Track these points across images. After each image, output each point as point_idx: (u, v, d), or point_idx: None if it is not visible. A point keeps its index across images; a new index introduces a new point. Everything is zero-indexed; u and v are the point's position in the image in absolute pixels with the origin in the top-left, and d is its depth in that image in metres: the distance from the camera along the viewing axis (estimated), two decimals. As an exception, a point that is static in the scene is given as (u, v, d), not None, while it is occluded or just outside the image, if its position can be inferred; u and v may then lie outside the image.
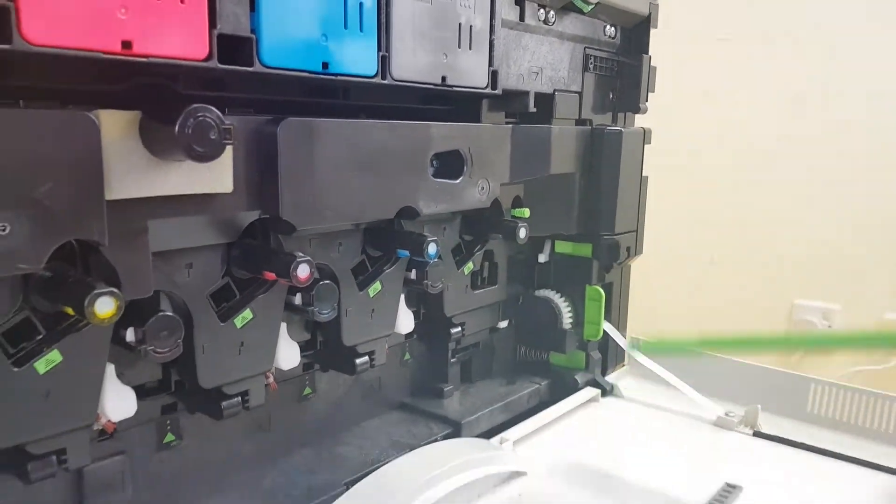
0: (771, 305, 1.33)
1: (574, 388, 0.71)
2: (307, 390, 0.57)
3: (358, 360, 0.54)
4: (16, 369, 0.35)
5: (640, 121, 0.74)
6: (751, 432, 0.64)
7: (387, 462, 0.53)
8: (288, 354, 0.49)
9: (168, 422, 0.47)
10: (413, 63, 0.47)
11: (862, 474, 0.58)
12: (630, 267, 0.75)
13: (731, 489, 0.54)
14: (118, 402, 0.40)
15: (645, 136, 0.70)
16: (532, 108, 0.60)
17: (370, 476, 0.49)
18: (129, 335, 0.39)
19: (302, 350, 0.52)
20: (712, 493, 0.53)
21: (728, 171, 1.33)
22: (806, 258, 1.28)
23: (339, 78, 0.43)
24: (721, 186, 1.34)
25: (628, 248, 0.70)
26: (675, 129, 1.27)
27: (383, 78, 0.46)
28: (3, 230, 0.31)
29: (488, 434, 0.62)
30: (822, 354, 1.23)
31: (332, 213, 0.45)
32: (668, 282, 1.37)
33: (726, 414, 0.66)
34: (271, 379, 0.49)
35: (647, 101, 0.70)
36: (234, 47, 0.38)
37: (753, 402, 0.65)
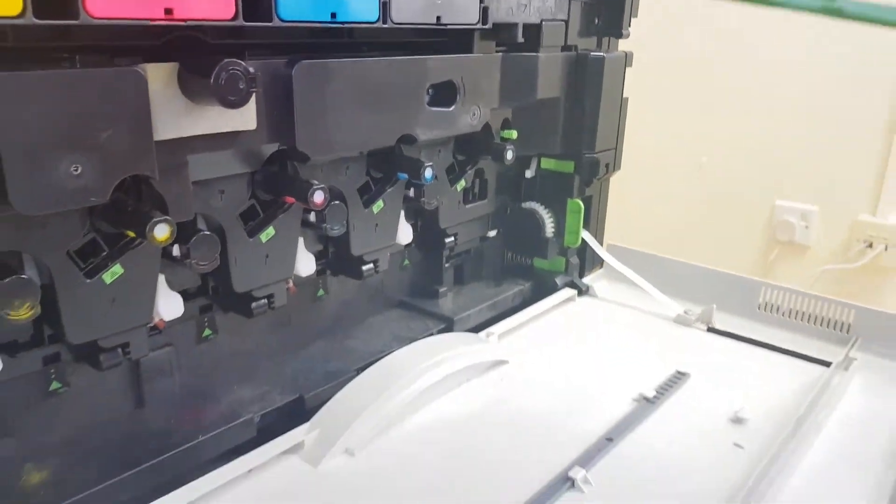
0: (753, 206, 1.40)
1: (554, 289, 0.80)
2: (321, 292, 0.65)
3: (364, 267, 0.62)
4: (88, 281, 0.44)
5: (624, 44, 0.79)
6: (705, 328, 0.73)
7: (390, 352, 0.62)
8: (305, 264, 0.58)
9: (206, 319, 0.56)
10: (410, 7, 0.53)
11: (797, 365, 0.68)
12: (609, 181, 0.82)
13: (680, 376, 0.64)
14: (168, 304, 0.49)
15: (627, 59, 0.75)
16: (521, 39, 0.65)
17: (376, 364, 0.58)
18: (176, 251, 0.47)
19: (316, 259, 0.60)
20: (663, 380, 0.63)
21: (715, 87, 1.37)
22: (786, 162, 1.34)
23: (345, 25, 0.49)
24: (707, 101, 1.39)
25: (607, 165, 0.77)
26: (664, 47, 1.31)
27: (384, 22, 0.51)
28: (76, 171, 0.39)
29: (477, 329, 0.71)
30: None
31: (341, 144, 0.52)
32: (654, 191, 1.45)
33: (685, 312, 0.75)
34: (291, 284, 0.58)
35: (629, 26, 0.75)
36: (255, 5, 0.43)
37: (709, 303, 0.74)
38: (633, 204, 1.26)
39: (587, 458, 0.52)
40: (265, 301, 0.55)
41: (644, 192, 1.40)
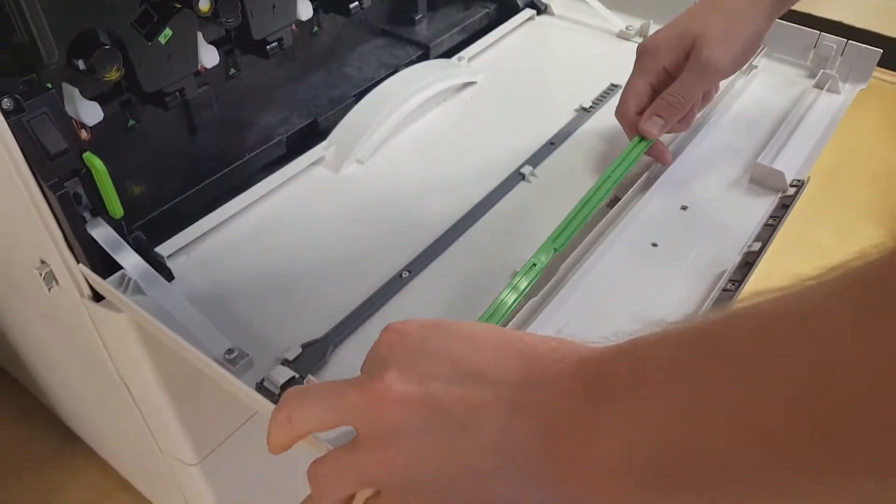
0: None
1: (516, 10, 0.91)
2: (315, 29, 0.77)
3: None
4: (148, 43, 0.56)
5: None
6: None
7: (380, 79, 0.76)
8: (304, 9, 0.69)
9: (230, 61, 0.69)
10: None
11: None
12: None
13: (613, 88, 0.79)
14: (207, 54, 0.62)
15: None
16: None
17: (371, 92, 0.72)
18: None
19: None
20: (599, 92, 0.79)
21: None
22: None
23: None
24: None
25: None
26: None
27: None
28: (134, -40, 0.49)
29: (450, 53, 0.84)
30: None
31: None
32: None
33: (626, 28, 0.88)
34: (293, 26, 0.70)
35: None
36: None
37: (650, 18, 0.87)
38: None
39: (535, 159, 0.70)
40: (277, 43, 0.68)
41: None
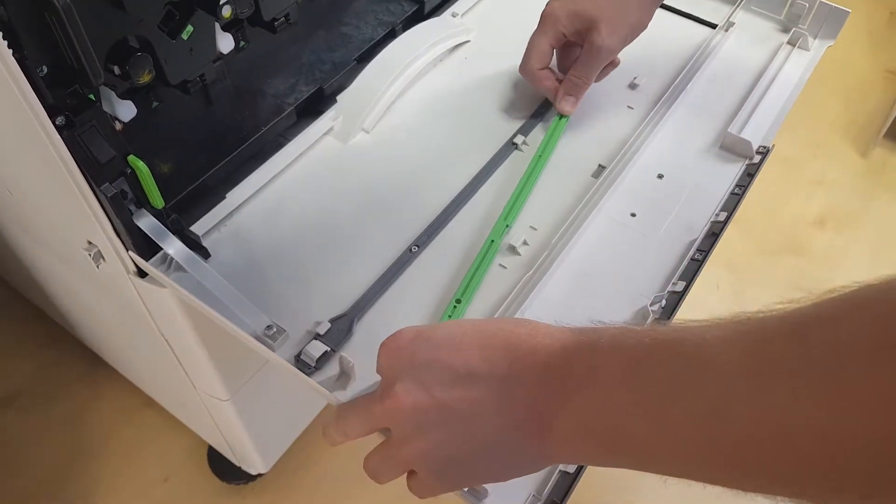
0: None
1: (507, -41, 0.94)
2: (316, -8, 0.80)
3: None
4: (172, 41, 0.60)
5: None
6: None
7: (378, 41, 0.80)
8: (311, -13, 0.72)
9: (239, 35, 0.73)
10: None
11: (687, 26, 0.88)
12: None
13: (600, 48, 0.84)
14: (224, 41, 0.66)
15: None
16: None
17: (372, 62, 0.77)
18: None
19: None
20: (586, 54, 0.83)
21: None
22: None
23: None
24: None
25: None
26: None
27: None
28: (161, -25, 0.53)
29: (441, 8, 0.88)
30: None
31: None
32: None
33: (613, -20, 0.91)
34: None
35: None
36: None
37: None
38: None
39: (527, 128, 0.76)
40: (284, 19, 0.72)
41: None
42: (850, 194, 1.52)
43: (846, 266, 1.41)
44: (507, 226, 0.66)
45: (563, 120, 0.75)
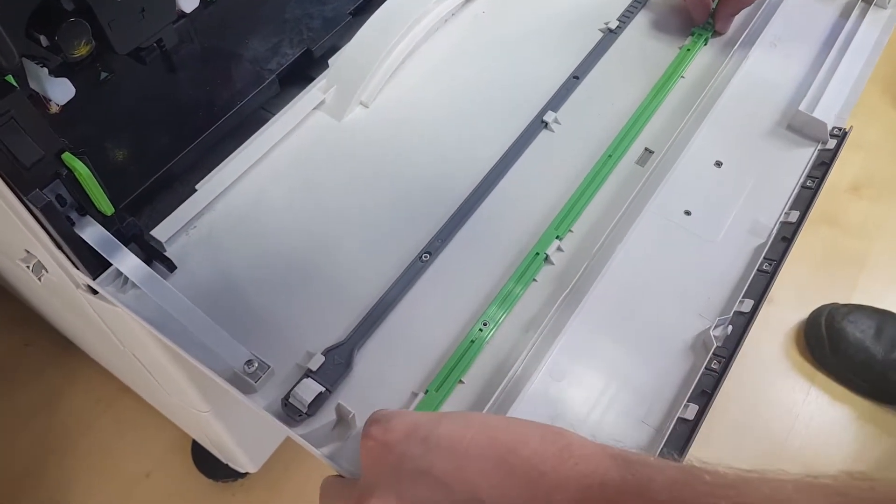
0: None
1: None
2: (304, -69, 0.66)
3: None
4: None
5: None
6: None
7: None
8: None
9: (210, -12, 0.59)
10: None
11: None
12: None
13: (638, 2, 0.71)
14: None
15: None
16: None
17: (370, 20, 0.63)
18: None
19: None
20: (624, 6, 0.70)
21: None
22: None
23: None
24: None
25: None
26: None
27: None
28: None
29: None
30: None
31: None
32: None
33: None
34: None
35: None
36: None
37: None
38: None
39: (557, 100, 0.63)
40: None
41: None
42: (888, 158, 1.40)
43: (883, 239, 1.30)
44: (557, 236, 0.54)
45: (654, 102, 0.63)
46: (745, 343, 0.51)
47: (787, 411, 1.14)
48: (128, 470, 1.04)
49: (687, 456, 0.45)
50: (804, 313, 1.21)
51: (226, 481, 1.01)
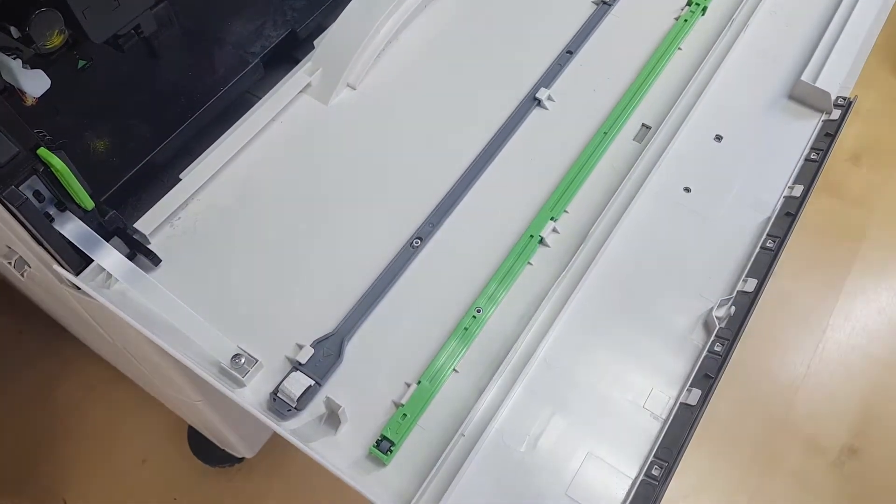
0: None
1: None
2: None
3: None
4: (91, -19, 0.45)
5: None
6: None
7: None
8: None
9: (188, -33, 0.57)
10: None
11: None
12: None
13: (636, -28, 0.68)
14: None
15: None
16: None
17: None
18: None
19: None
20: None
21: None
22: None
23: None
24: None
25: None
26: None
27: None
28: None
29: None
30: None
31: None
32: None
33: None
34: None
35: None
36: None
37: None
38: None
39: (550, 76, 0.61)
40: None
41: None
42: (887, 126, 1.38)
43: (882, 207, 1.28)
44: (552, 217, 0.53)
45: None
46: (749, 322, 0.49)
47: (790, 382, 1.13)
48: (124, 456, 1.03)
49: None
50: (804, 284, 1.20)
51: (223, 466, 1.01)
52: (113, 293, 0.48)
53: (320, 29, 0.63)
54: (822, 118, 0.59)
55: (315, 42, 0.62)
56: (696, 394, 0.46)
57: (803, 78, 0.59)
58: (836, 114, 0.59)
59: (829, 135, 0.58)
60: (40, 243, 0.46)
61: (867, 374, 1.14)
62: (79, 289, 0.50)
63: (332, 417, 0.44)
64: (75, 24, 0.45)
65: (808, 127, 0.59)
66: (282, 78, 0.60)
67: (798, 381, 1.14)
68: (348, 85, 0.60)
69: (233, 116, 0.57)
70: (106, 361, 1.08)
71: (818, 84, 0.59)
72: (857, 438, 1.08)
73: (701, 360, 0.47)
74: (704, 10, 0.65)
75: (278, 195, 0.54)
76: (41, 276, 0.52)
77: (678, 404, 0.45)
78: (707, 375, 0.47)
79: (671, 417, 0.45)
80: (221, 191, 0.54)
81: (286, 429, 0.44)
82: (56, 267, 0.48)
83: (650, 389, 0.47)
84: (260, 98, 0.59)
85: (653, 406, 0.46)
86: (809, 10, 0.66)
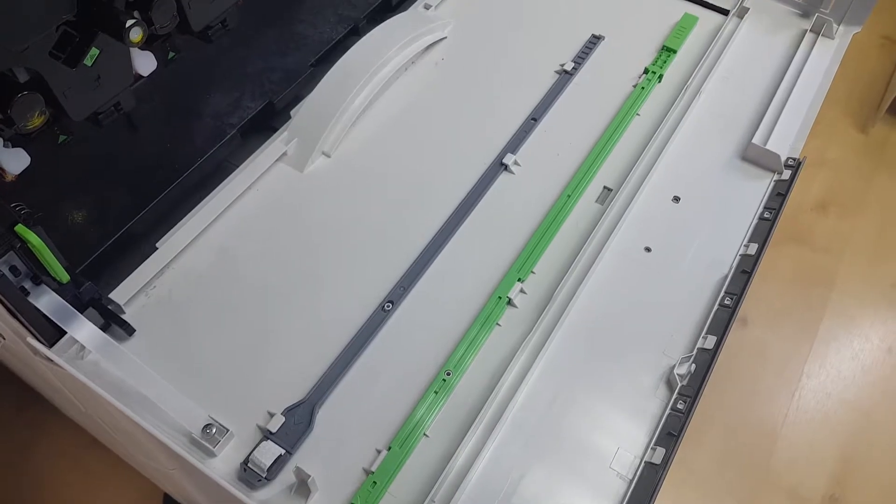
0: None
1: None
2: (260, -15, 0.67)
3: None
4: (71, 68, 0.47)
5: None
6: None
7: (338, 41, 0.68)
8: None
9: (167, 45, 0.60)
10: None
11: (698, 11, 0.76)
12: None
13: (595, 40, 0.72)
14: (143, 62, 0.53)
15: None
16: None
17: (333, 68, 0.64)
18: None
19: None
20: (579, 47, 0.71)
21: None
22: None
23: None
24: None
25: None
26: None
27: None
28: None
29: (411, -2, 0.75)
30: None
31: None
32: None
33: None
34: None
35: None
36: None
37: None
38: None
39: (515, 143, 0.64)
40: (220, 25, 0.59)
41: None
42: (851, 175, 1.43)
43: (850, 253, 1.32)
44: (519, 279, 0.55)
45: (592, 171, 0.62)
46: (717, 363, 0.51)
47: (769, 432, 1.14)
48: (102, 525, 1.01)
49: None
50: (777, 332, 1.22)
51: (204, 534, 0.99)
52: (86, 364, 0.49)
53: (297, 99, 0.66)
54: (774, 178, 0.62)
55: (291, 112, 0.65)
56: (661, 452, 0.47)
57: (754, 141, 0.62)
58: (786, 174, 0.62)
59: (780, 194, 0.61)
60: (15, 316, 0.47)
61: (843, 420, 1.15)
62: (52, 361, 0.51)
63: (303, 487, 0.45)
64: (56, 103, 0.47)
65: (760, 187, 0.62)
66: (259, 147, 0.62)
67: (777, 429, 1.15)
68: (323, 153, 0.62)
69: (210, 184, 0.59)
70: (80, 427, 1.07)
71: (768, 146, 0.62)
72: (837, 486, 1.09)
73: (664, 418, 0.49)
74: (661, 77, 0.69)
75: (252, 263, 0.56)
76: (16, 347, 0.53)
77: (643, 463, 0.47)
78: (670, 433, 0.48)
79: (635, 477, 0.46)
80: (196, 259, 0.56)
81: (255, 500, 0.44)
82: (30, 339, 0.49)
83: (616, 449, 0.48)
84: (237, 166, 0.61)
85: (619, 466, 0.47)
86: (759, 76, 0.70)
